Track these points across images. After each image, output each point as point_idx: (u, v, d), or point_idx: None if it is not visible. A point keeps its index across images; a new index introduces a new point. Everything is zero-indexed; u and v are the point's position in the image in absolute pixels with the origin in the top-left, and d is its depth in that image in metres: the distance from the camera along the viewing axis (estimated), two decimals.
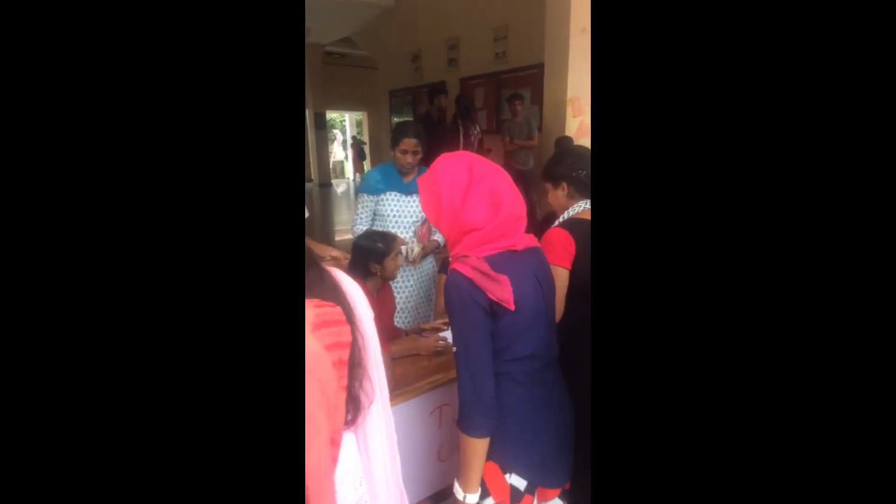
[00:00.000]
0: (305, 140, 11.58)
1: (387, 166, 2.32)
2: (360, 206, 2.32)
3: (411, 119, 8.08)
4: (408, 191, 2.27)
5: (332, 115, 13.25)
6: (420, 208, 2.20)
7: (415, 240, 2.31)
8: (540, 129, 4.39)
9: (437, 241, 2.37)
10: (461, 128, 4.36)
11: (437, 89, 4.95)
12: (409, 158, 2.20)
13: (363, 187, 2.31)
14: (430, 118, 4.77)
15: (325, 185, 11.20)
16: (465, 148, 2.14)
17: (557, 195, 1.57)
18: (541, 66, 5.46)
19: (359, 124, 14.54)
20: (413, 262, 2.20)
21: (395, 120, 8.37)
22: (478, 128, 4.44)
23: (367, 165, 13.04)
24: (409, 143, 2.18)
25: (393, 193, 2.26)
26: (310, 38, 9.34)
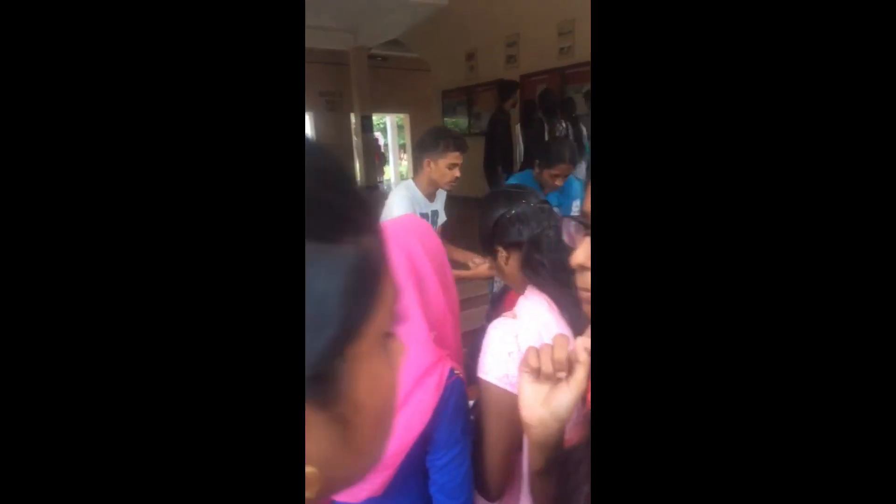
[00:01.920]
0: (351, 143, 11.60)
1: (526, 176, 2.18)
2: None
3: (466, 119, 7.99)
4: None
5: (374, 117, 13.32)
6: None
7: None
8: None
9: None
10: (546, 125, 4.20)
11: (511, 85, 4.79)
12: (560, 181, 2.02)
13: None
14: (505, 116, 4.63)
15: (371, 188, 11.22)
16: (553, 145, 2.03)
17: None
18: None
19: (400, 128, 14.57)
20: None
21: (448, 121, 8.25)
22: (564, 123, 4.27)
23: (388, 171, 12.93)
24: (566, 168, 2.01)
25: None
26: (357, 42, 9.36)
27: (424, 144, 1.95)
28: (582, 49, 5.80)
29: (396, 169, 14.43)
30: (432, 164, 1.92)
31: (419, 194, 2.00)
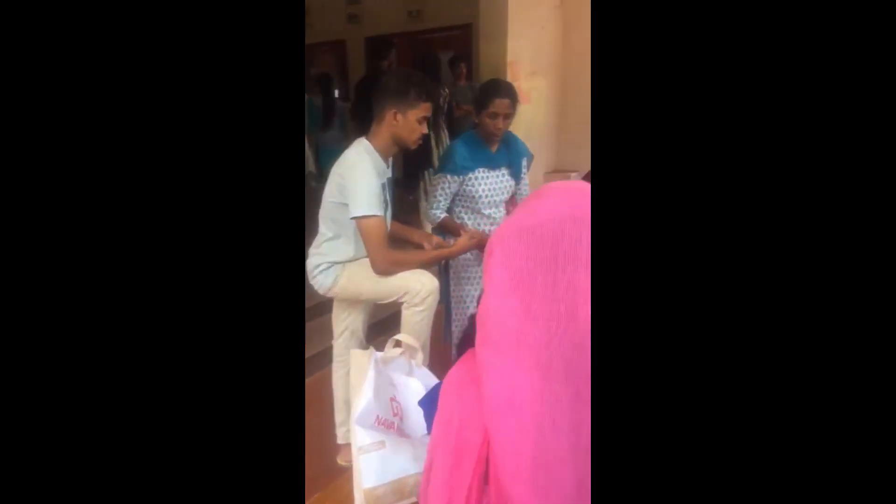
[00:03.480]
0: None
1: (469, 136, 2.01)
2: (440, 189, 1.98)
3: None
4: (496, 164, 2.01)
5: None
6: (509, 181, 2.01)
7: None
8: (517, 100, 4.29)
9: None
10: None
11: (387, 43, 4.62)
12: (501, 123, 1.87)
13: (445, 167, 1.96)
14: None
15: None
16: (483, 85, 1.98)
17: None
18: (466, 28, 5.50)
19: None
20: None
21: None
22: (446, 90, 4.29)
23: None
24: (503, 103, 1.84)
25: (481, 170, 1.97)
26: None
27: (389, 92, 1.55)
28: (432, 15, 5.88)
29: None
30: (399, 118, 1.55)
31: (378, 158, 1.60)
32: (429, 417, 0.64)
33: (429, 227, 2.45)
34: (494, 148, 2.01)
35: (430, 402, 0.63)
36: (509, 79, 4.36)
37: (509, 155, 2.06)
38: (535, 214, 0.50)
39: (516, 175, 2.10)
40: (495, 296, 0.49)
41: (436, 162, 3.51)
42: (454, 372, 0.57)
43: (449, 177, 1.97)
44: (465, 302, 2.09)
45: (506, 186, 2.06)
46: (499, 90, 1.87)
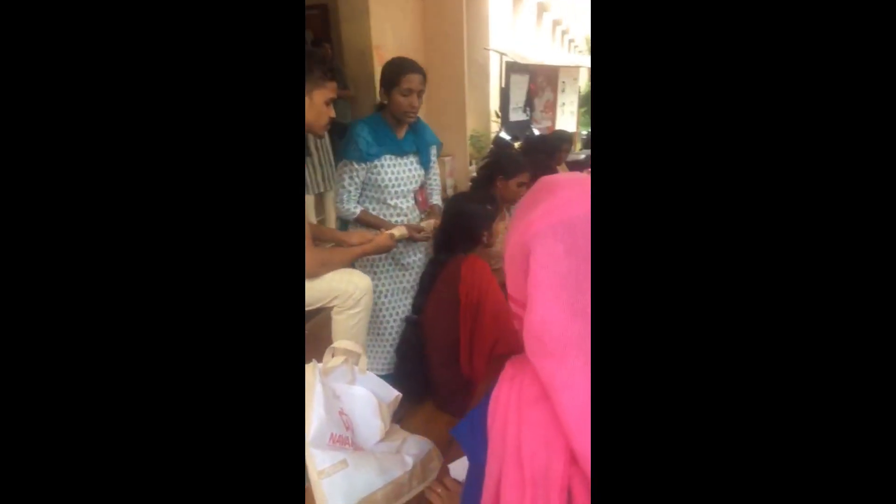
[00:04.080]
0: None
1: (375, 120, 1.80)
2: (346, 178, 1.79)
3: None
4: (404, 151, 1.85)
5: None
6: (418, 170, 1.91)
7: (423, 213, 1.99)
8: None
9: (438, 205, 2.05)
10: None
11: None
12: (416, 101, 1.74)
13: (348, 153, 1.77)
14: None
15: None
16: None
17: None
18: (323, 9, 5.20)
19: None
20: (427, 237, 1.82)
21: None
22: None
23: None
24: (416, 78, 1.70)
25: (388, 157, 1.81)
26: None
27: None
28: None
29: None
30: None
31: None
32: (470, 447, 0.57)
33: (335, 224, 2.28)
34: (402, 133, 1.84)
35: (469, 430, 0.57)
36: (376, 63, 4.26)
37: (417, 141, 1.90)
38: (562, 209, 0.49)
39: (425, 163, 1.96)
40: (543, 303, 0.47)
41: (314, 151, 3.28)
42: (503, 394, 0.53)
43: (355, 164, 1.78)
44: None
45: (415, 175, 1.92)
46: (410, 65, 1.72)
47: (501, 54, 5.43)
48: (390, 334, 1.95)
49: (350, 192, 1.82)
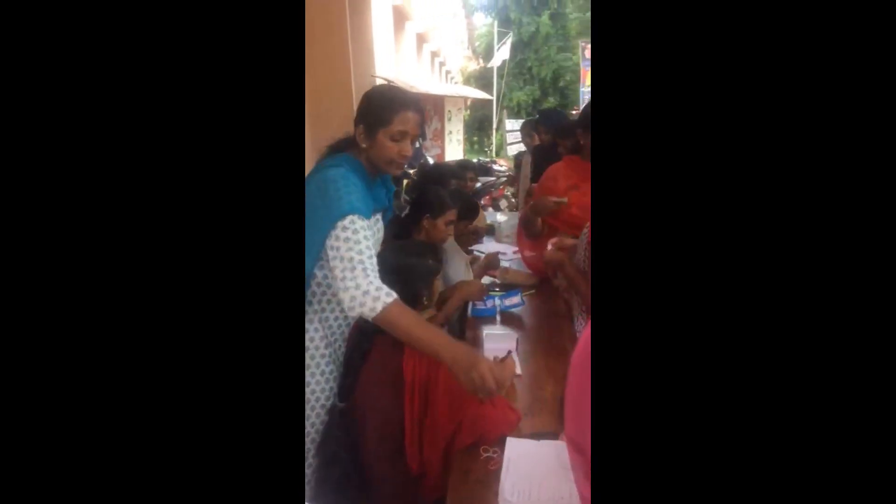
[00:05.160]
0: None
1: (355, 164, 1.29)
2: (361, 241, 1.18)
3: None
4: (374, 207, 1.35)
5: None
6: (380, 231, 1.41)
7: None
8: None
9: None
10: None
11: None
12: (408, 148, 1.28)
13: (349, 207, 1.20)
14: None
15: None
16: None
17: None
18: None
19: None
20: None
21: None
22: None
23: None
24: (412, 119, 1.25)
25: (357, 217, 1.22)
26: None
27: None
28: None
29: None
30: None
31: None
32: None
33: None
34: (373, 184, 1.35)
35: None
36: None
37: (387, 194, 1.43)
38: None
39: (386, 221, 1.48)
40: None
41: None
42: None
43: (360, 221, 1.22)
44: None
45: (378, 240, 1.40)
46: (407, 100, 1.26)
47: (388, 81, 5.43)
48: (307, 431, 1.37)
49: (373, 262, 1.20)
